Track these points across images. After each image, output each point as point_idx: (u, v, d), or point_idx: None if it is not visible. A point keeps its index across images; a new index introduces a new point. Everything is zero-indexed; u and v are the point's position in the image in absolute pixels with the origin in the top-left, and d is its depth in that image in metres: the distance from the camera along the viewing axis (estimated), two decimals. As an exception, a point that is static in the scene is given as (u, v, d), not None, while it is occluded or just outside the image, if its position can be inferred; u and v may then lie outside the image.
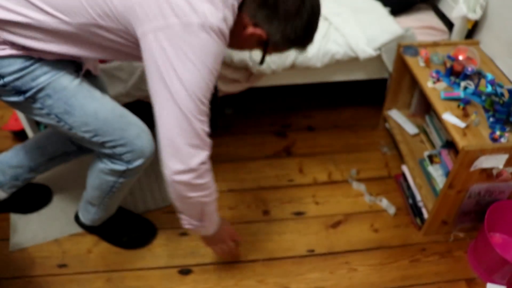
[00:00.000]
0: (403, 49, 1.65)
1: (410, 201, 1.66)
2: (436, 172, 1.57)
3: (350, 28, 1.68)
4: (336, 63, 1.73)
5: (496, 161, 1.33)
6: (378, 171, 1.83)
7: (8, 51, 1.02)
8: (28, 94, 1.07)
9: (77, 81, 1.13)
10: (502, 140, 1.30)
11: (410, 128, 1.80)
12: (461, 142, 1.30)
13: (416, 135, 1.79)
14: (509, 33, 1.52)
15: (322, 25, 1.70)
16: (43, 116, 1.13)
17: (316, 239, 1.58)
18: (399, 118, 1.85)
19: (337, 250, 1.55)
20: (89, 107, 1.13)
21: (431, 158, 1.63)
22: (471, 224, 1.57)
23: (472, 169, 1.33)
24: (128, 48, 1.05)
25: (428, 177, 1.60)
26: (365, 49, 1.66)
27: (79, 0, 0.96)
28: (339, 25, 1.69)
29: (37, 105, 1.10)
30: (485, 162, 1.32)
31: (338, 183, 1.78)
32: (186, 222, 1.20)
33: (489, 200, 1.48)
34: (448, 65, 1.51)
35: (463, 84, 1.47)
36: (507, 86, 1.34)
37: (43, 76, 1.07)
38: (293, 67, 1.69)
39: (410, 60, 1.61)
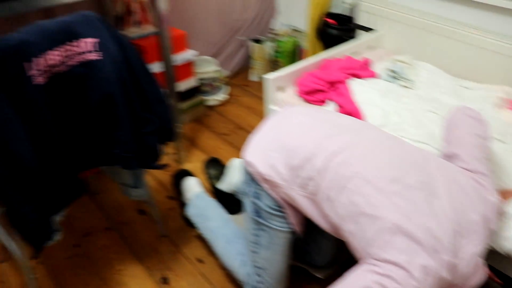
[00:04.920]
0: None
1: None
2: None
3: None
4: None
5: None
6: None
7: (275, 194, 1.25)
8: (259, 225, 1.34)
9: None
10: None
11: None
12: None
13: None
14: None
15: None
16: (251, 231, 1.37)
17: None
18: None
19: None
20: (275, 253, 1.39)
21: None
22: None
23: None
24: None
25: None
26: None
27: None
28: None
29: (258, 229, 1.34)
30: None
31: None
32: None
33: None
34: None
35: None
36: None
37: (276, 223, 1.31)
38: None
39: None
